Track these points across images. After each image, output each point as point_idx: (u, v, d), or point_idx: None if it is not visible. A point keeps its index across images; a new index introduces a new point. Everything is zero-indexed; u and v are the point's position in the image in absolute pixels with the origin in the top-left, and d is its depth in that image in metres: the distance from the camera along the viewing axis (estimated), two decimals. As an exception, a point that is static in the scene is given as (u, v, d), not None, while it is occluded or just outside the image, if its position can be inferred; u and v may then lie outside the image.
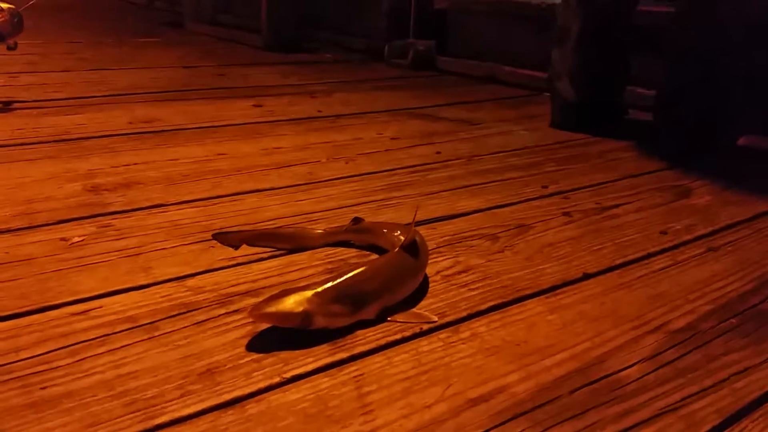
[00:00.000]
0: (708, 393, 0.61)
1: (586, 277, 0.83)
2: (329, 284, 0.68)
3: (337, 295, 0.68)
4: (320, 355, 0.64)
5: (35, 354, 0.61)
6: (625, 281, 0.83)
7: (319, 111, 1.71)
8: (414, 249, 0.77)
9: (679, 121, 1.44)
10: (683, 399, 0.59)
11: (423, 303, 0.75)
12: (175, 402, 0.56)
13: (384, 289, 0.71)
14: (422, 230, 0.90)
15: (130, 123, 1.50)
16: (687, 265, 0.88)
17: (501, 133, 1.58)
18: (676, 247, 0.94)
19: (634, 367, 0.64)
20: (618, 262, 0.88)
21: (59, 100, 1.67)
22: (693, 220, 1.05)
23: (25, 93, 1.72)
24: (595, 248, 0.92)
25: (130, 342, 0.64)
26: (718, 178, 1.26)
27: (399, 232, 0.83)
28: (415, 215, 0.80)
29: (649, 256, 0.91)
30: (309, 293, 0.67)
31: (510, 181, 1.21)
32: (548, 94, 1.73)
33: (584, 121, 1.59)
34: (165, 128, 1.47)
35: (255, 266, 0.82)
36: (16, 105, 1.61)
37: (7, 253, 0.81)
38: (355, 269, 0.71)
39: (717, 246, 0.95)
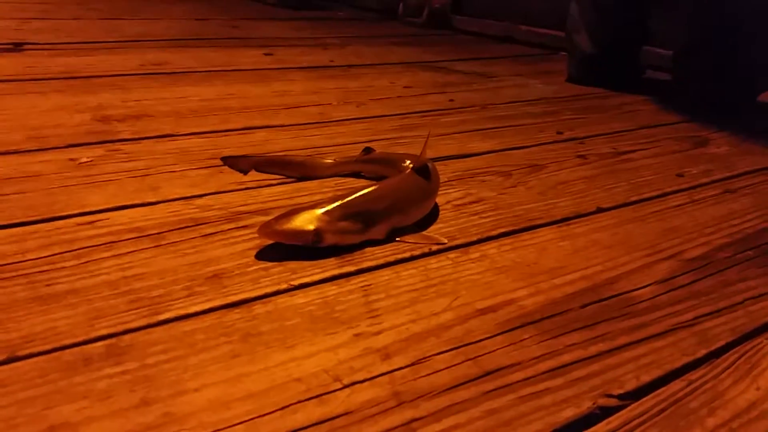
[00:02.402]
0: (722, 313, 0.59)
1: (600, 210, 0.82)
2: (339, 202, 0.67)
3: (347, 213, 0.67)
4: (328, 267, 0.63)
5: (41, 256, 0.61)
6: (639, 215, 0.81)
7: (331, 61, 1.69)
8: (425, 172, 0.76)
9: (698, 73, 1.41)
10: (696, 318, 0.58)
11: (433, 227, 0.74)
12: (181, 300, 0.55)
13: (394, 210, 0.70)
14: (434, 164, 0.89)
15: (141, 65, 1.48)
16: (703, 203, 0.87)
17: (516, 85, 1.55)
18: (692, 188, 0.92)
19: (647, 289, 0.63)
20: (633, 199, 0.87)
21: (70, 44, 1.65)
22: (710, 166, 1.03)
23: (37, 36, 1.70)
24: (609, 186, 0.91)
25: (136, 249, 0.63)
26: (737, 131, 1.24)
27: (410, 162, 0.82)
28: (426, 141, 0.78)
29: (664, 195, 0.89)
30: (319, 211, 0.66)
31: (524, 127, 1.19)
32: (565, 53, 1.70)
33: (601, 75, 1.56)
34: (175, 70, 1.45)
35: (264, 190, 0.81)
36: (27, 46, 1.59)
37: (15, 170, 0.81)
38: (365, 189, 0.70)
39: (734, 188, 0.93)
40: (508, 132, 1.14)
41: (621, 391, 0.47)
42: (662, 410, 0.46)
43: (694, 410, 0.46)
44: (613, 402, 0.46)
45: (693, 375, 0.50)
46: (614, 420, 0.44)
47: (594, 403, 0.46)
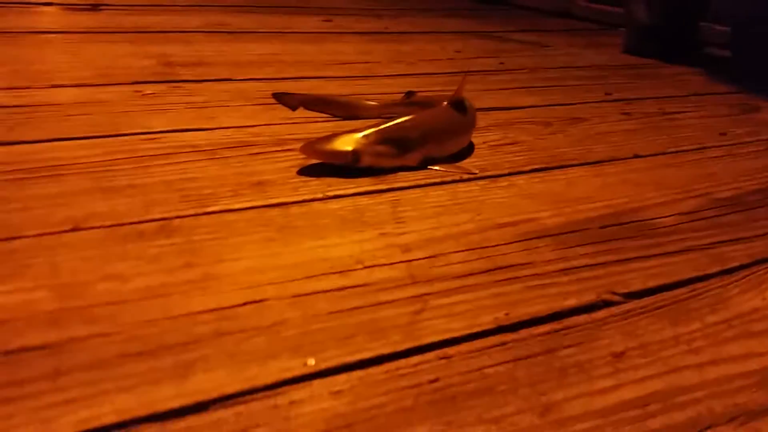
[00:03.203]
0: (741, 241, 0.61)
1: (636, 156, 0.83)
2: (377, 128, 0.72)
3: (384, 138, 0.71)
4: (362, 184, 0.67)
5: (104, 159, 0.68)
6: (675, 162, 0.82)
7: (385, 27, 1.73)
8: (461, 106, 0.79)
9: (755, 44, 1.38)
10: (714, 243, 0.60)
11: (466, 160, 0.77)
12: (227, 199, 0.61)
13: (428, 139, 0.74)
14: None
15: (205, 24, 1.56)
16: (742, 157, 0.87)
17: (569, 54, 1.56)
18: (734, 145, 0.92)
19: (670, 218, 0.65)
20: (671, 149, 0.88)
21: (141, 6, 1.75)
22: (756, 128, 1.02)
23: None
24: (649, 138, 0.92)
25: (190, 159, 0.69)
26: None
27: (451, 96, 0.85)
28: (464, 79, 0.81)
29: (704, 148, 0.89)
30: (358, 134, 0.70)
31: (572, 87, 1.20)
32: (623, 29, 1.69)
33: (658, 46, 1.55)
34: (236, 30, 1.53)
35: (310, 125, 0.86)
36: (103, 7, 1.69)
37: (83, 98, 0.88)
38: (402, 118, 0.74)
39: (778, 147, 0.92)
40: (555, 91, 1.16)
41: (625, 291, 0.50)
42: (663, 306, 0.48)
43: (696, 309, 0.48)
44: (617, 299, 0.49)
45: (700, 285, 0.52)
46: (614, 309, 0.47)
47: (598, 297, 0.49)
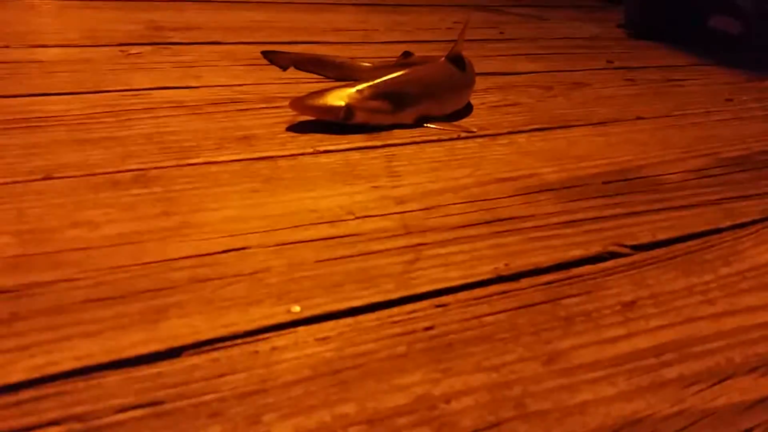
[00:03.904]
0: (752, 197, 0.58)
1: (640, 118, 0.80)
2: (371, 83, 0.68)
3: (378, 93, 0.67)
4: (354, 140, 0.64)
5: (83, 113, 0.64)
6: (679, 124, 0.79)
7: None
8: (460, 63, 0.76)
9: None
10: (724, 199, 0.57)
11: (465, 120, 0.74)
12: (210, 151, 0.57)
13: (425, 96, 0.70)
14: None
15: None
16: (748, 120, 0.83)
17: (570, 27, 1.52)
18: (740, 109, 0.89)
19: (676, 175, 0.61)
20: (675, 112, 0.84)
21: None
22: (762, 95, 0.98)
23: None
24: (653, 103, 0.88)
25: (173, 114, 0.66)
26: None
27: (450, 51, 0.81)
28: (464, 28, 0.78)
29: (709, 111, 0.86)
30: (350, 90, 0.67)
31: (574, 55, 1.16)
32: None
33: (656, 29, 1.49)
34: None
35: (301, 85, 0.82)
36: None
37: (68, 57, 0.84)
38: (397, 72, 0.71)
39: (786, 111, 0.89)
40: (557, 58, 1.12)
41: (633, 243, 0.47)
42: (674, 257, 0.45)
43: (709, 260, 0.45)
44: (625, 251, 0.46)
45: (713, 238, 0.49)
46: (622, 261, 0.44)
47: (604, 249, 0.46)
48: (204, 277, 0.37)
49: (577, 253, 0.44)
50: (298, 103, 0.65)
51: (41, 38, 0.94)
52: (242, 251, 0.40)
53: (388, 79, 0.69)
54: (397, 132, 0.67)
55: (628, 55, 1.22)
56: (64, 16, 1.12)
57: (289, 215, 0.46)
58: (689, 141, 0.72)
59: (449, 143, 0.66)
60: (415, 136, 0.67)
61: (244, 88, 0.78)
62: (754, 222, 0.53)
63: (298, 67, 0.86)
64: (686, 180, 0.60)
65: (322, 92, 0.67)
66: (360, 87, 0.67)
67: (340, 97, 0.65)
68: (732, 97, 0.95)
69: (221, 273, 0.38)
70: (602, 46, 1.27)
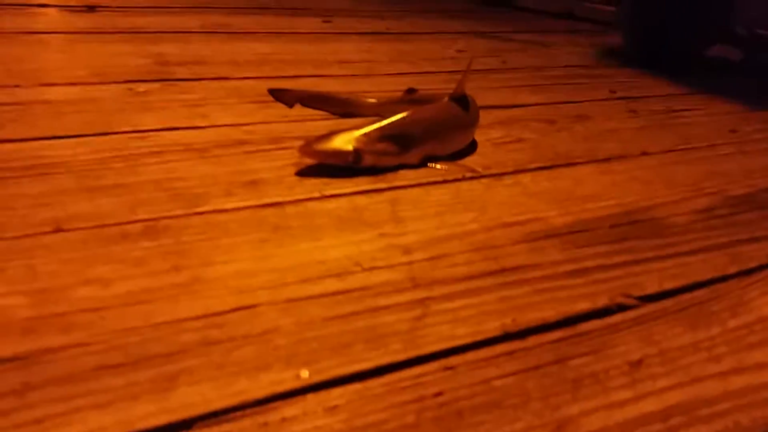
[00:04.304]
0: (759, 240, 0.58)
1: (645, 154, 0.80)
2: (377, 125, 0.69)
3: (384, 136, 0.68)
4: (361, 183, 0.64)
5: (92, 158, 0.65)
6: (684, 159, 0.79)
7: (387, 28, 1.70)
8: (464, 102, 0.77)
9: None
10: (731, 242, 0.57)
11: (469, 158, 0.74)
12: (219, 197, 0.58)
13: (430, 136, 0.71)
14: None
15: (204, 25, 1.53)
16: (753, 154, 0.84)
17: (572, 53, 1.53)
18: (744, 142, 0.89)
19: (682, 217, 0.62)
20: (680, 147, 0.85)
21: (139, 7, 1.73)
22: (766, 125, 0.99)
23: (108, 1, 1.78)
24: (657, 137, 0.89)
25: (181, 158, 0.67)
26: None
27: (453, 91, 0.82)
28: (467, 69, 0.78)
29: (714, 145, 0.86)
30: (357, 133, 0.67)
31: (576, 85, 1.17)
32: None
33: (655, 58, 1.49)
34: (236, 31, 1.50)
35: (308, 123, 0.83)
36: (99, 9, 1.67)
37: (76, 96, 0.85)
38: (403, 114, 0.71)
39: (790, 144, 0.89)
40: (559, 89, 1.13)
41: (641, 293, 0.47)
42: (681, 309, 0.45)
43: (716, 312, 0.45)
44: (632, 302, 0.46)
45: (720, 286, 0.49)
46: (630, 313, 0.44)
47: (611, 301, 0.46)
48: (214, 340, 0.38)
49: (584, 306, 0.45)
50: (306, 149, 0.66)
51: (50, 76, 0.95)
52: (251, 309, 0.41)
53: (394, 121, 0.69)
54: (402, 173, 0.68)
55: (630, 83, 1.22)
56: (72, 51, 1.14)
57: (297, 268, 0.47)
58: (695, 178, 0.73)
59: (454, 185, 0.66)
60: (420, 178, 0.67)
61: (251, 127, 0.79)
62: (761, 267, 0.53)
63: (304, 104, 0.87)
64: (693, 222, 0.60)
65: (329, 136, 0.67)
66: (366, 130, 0.68)
67: (347, 141, 0.66)
68: (736, 129, 0.95)
69: (231, 334, 0.38)
70: (604, 75, 1.28)
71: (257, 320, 0.40)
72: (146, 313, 0.40)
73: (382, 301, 0.43)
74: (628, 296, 0.46)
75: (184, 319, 0.39)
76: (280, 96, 0.86)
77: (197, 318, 0.39)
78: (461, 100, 0.77)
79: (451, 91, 0.81)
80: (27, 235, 0.49)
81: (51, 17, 1.53)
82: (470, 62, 0.80)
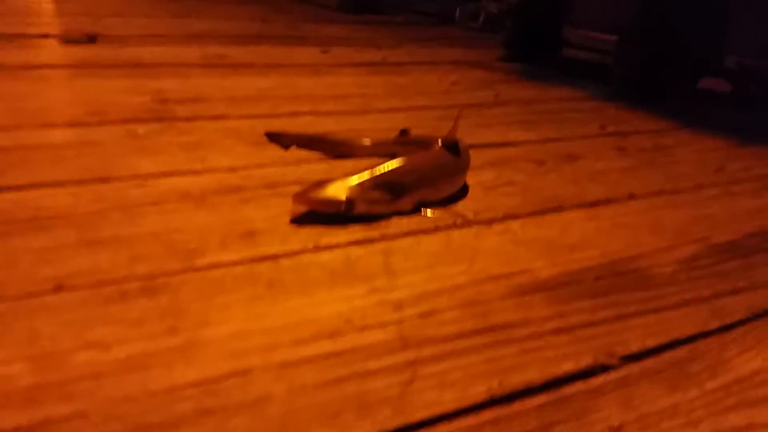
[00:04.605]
0: (740, 293, 0.60)
1: (632, 197, 0.82)
2: (370, 173, 0.71)
3: (377, 184, 0.70)
4: (354, 232, 0.66)
5: (91, 209, 0.66)
6: (671, 203, 0.81)
7: (383, 59, 1.73)
8: (454, 149, 0.78)
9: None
10: (713, 295, 0.59)
11: (460, 203, 0.76)
12: (215, 251, 0.59)
13: (422, 183, 0.73)
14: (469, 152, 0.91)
15: (203, 57, 1.56)
16: (739, 196, 0.86)
17: (566, 84, 1.55)
18: (730, 182, 0.91)
19: (666, 267, 0.63)
20: (667, 188, 0.87)
21: (139, 37, 1.76)
22: (751, 163, 1.01)
23: (109, 30, 1.81)
24: (645, 177, 0.91)
25: (179, 207, 0.68)
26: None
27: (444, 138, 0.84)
28: (457, 118, 0.81)
29: (700, 186, 0.88)
30: (350, 181, 0.69)
31: (567, 121, 1.19)
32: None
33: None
34: (235, 63, 1.52)
35: (303, 166, 0.85)
36: (100, 40, 1.69)
37: (76, 138, 0.87)
38: (395, 162, 0.73)
39: (776, 184, 0.91)
40: (550, 125, 1.15)
41: (624, 352, 0.49)
42: (662, 370, 0.47)
43: (695, 373, 0.47)
44: (614, 361, 0.47)
45: (700, 343, 0.51)
46: (612, 375, 0.46)
47: (595, 360, 0.47)
48: (209, 408, 0.39)
49: (568, 366, 0.46)
50: (301, 197, 0.68)
51: (51, 115, 0.97)
52: (245, 375, 0.42)
53: (387, 170, 0.71)
54: (395, 221, 0.70)
55: (620, 117, 1.25)
56: (73, 87, 1.16)
57: (290, 328, 0.48)
58: (680, 224, 0.74)
59: (445, 232, 0.68)
60: (412, 225, 0.69)
61: (247, 171, 0.80)
62: (741, 322, 0.54)
63: (299, 146, 0.89)
64: (677, 272, 0.62)
65: (322, 184, 0.69)
66: (359, 178, 0.69)
67: (341, 190, 0.68)
68: (723, 167, 0.98)
69: (225, 403, 0.40)
70: (594, 109, 1.31)
71: (251, 386, 0.41)
72: (144, 380, 0.41)
73: (373, 364, 0.45)
74: (611, 355, 0.48)
75: (180, 387, 0.41)
76: (276, 139, 0.88)
77: (193, 385, 0.41)
78: (453, 146, 0.79)
79: (443, 135, 0.83)
80: (29, 294, 0.50)
81: (52, 49, 1.55)
82: (459, 114, 0.82)
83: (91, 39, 1.69)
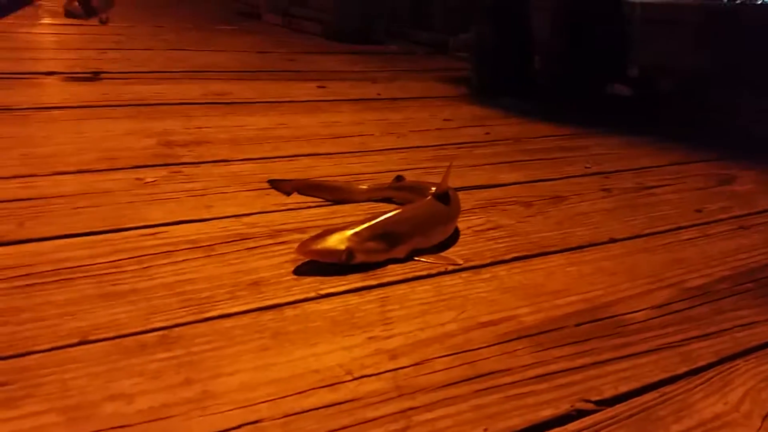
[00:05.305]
0: (709, 338, 0.65)
1: (612, 241, 0.88)
2: (366, 225, 0.76)
3: (373, 234, 0.75)
4: (353, 280, 0.71)
5: (108, 260, 0.71)
6: (649, 246, 0.87)
7: (378, 94, 1.79)
8: (446, 199, 0.84)
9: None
10: (683, 340, 0.64)
11: (451, 249, 0.81)
12: (224, 302, 0.64)
13: (415, 232, 0.78)
14: (460, 195, 0.96)
15: (204, 95, 1.62)
16: (715, 237, 0.91)
17: (552, 120, 1.62)
18: (708, 223, 0.97)
19: (641, 313, 0.68)
20: (647, 231, 0.92)
21: (141, 73, 1.82)
22: (730, 203, 1.07)
23: (112, 66, 1.87)
24: (626, 219, 0.96)
25: (189, 258, 0.73)
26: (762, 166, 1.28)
27: (436, 189, 0.90)
28: (448, 170, 0.86)
29: (679, 228, 0.94)
30: (349, 232, 0.74)
31: (554, 160, 1.25)
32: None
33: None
34: (235, 101, 1.58)
35: (303, 212, 0.90)
36: (103, 75, 1.75)
37: (89, 186, 0.93)
38: (390, 212, 0.79)
39: (749, 225, 0.97)
40: (537, 165, 1.21)
41: (598, 398, 0.53)
42: (632, 415, 0.52)
43: (662, 417, 0.52)
44: (589, 407, 0.52)
45: (668, 388, 0.56)
46: (587, 420, 0.51)
47: (572, 407, 0.52)
48: (224, 458, 0.44)
49: (548, 412, 0.51)
50: (303, 249, 0.73)
51: (62, 162, 1.02)
52: (254, 425, 0.47)
53: (382, 221, 0.77)
54: (390, 268, 0.75)
55: (604, 156, 1.31)
56: (82, 131, 1.21)
57: (295, 379, 0.53)
58: (656, 268, 0.80)
59: (437, 279, 0.73)
60: (406, 272, 0.74)
61: (252, 218, 0.86)
62: (708, 366, 0.60)
63: (300, 192, 0.94)
64: (650, 318, 0.67)
65: (323, 235, 0.74)
66: (357, 229, 0.75)
67: (340, 241, 0.73)
68: (701, 207, 1.03)
69: (239, 455, 0.44)
70: (580, 147, 1.37)
71: (261, 436, 0.46)
72: (166, 431, 0.46)
73: (370, 413, 0.49)
74: (587, 401, 0.53)
75: (198, 438, 0.45)
76: (278, 186, 0.93)
77: (210, 436, 0.46)
78: (443, 196, 0.84)
79: (435, 183, 0.89)
80: (57, 347, 0.55)
81: (57, 87, 1.61)
82: (449, 167, 0.87)
83: (95, 75, 1.75)
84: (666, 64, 1.97)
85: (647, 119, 1.73)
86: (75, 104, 1.42)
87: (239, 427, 0.47)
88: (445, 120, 1.54)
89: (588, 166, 1.22)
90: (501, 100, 1.76)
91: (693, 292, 0.74)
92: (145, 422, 0.47)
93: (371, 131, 1.38)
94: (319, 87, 1.83)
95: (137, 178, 0.97)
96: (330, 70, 2.15)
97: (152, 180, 0.96)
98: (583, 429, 0.50)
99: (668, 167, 1.27)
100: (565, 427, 0.50)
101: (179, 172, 1.02)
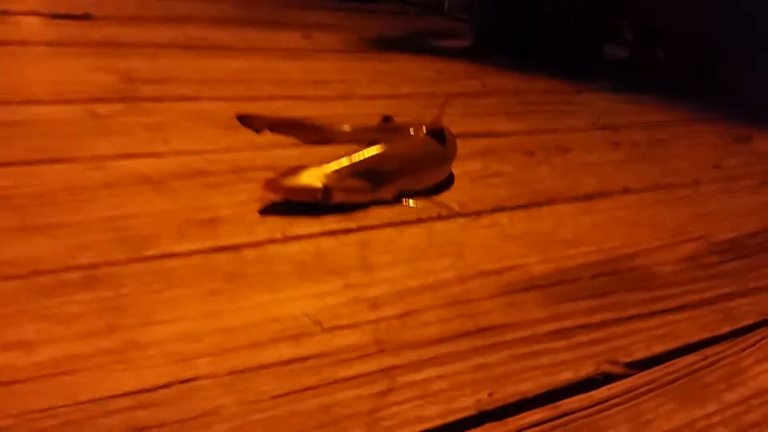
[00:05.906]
0: (748, 294, 0.54)
1: (626, 191, 0.77)
2: (348, 160, 0.64)
3: (356, 172, 0.64)
4: (328, 222, 0.60)
5: (37, 190, 0.59)
6: (668, 198, 0.76)
7: (367, 46, 1.67)
8: (440, 136, 0.73)
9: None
10: (720, 296, 0.53)
11: (445, 194, 0.70)
12: (169, 240, 0.53)
13: (405, 171, 0.67)
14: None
15: (180, 38, 1.48)
16: (738, 192, 0.81)
17: (555, 75, 1.50)
18: (728, 178, 0.87)
19: (668, 266, 0.58)
20: (663, 183, 0.82)
21: (115, 17, 1.67)
22: (749, 159, 0.97)
23: (81, 9, 1.72)
24: (640, 171, 0.86)
25: (136, 192, 0.62)
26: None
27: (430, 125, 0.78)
28: (444, 104, 0.75)
29: (697, 182, 0.83)
30: (327, 168, 0.63)
31: (557, 113, 1.14)
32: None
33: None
34: (212, 45, 1.45)
35: (276, 151, 0.79)
36: (78, 18, 1.60)
37: (27, 117, 0.80)
38: (376, 148, 0.67)
39: (775, 181, 0.87)
40: (539, 116, 1.10)
41: (628, 360, 0.43)
42: (673, 380, 0.41)
43: (710, 384, 0.42)
44: (619, 369, 0.42)
45: (711, 350, 0.45)
46: (617, 386, 0.40)
47: (596, 369, 0.42)
48: (141, 425, 0.33)
49: (567, 375, 0.41)
50: (272, 184, 0.61)
51: (6, 94, 0.90)
52: (189, 383, 0.36)
53: (367, 156, 0.65)
54: (374, 211, 0.63)
55: (611, 109, 1.20)
56: (41, 64, 1.08)
57: (248, 329, 0.42)
58: (679, 221, 0.69)
59: (429, 224, 0.62)
60: (393, 216, 0.63)
61: (214, 155, 0.74)
62: (754, 326, 0.49)
63: (273, 131, 0.82)
64: (679, 271, 0.57)
65: (297, 171, 0.63)
66: (337, 165, 0.63)
67: (317, 177, 0.62)
68: (720, 164, 0.93)
69: (161, 418, 0.33)
70: (584, 102, 1.26)
71: (194, 398, 0.35)
72: (68, 388, 0.35)
73: (342, 372, 0.38)
74: (615, 362, 0.42)
75: (109, 397, 0.34)
76: (248, 122, 0.81)
77: (126, 395, 0.34)
78: (438, 133, 0.73)
79: (428, 122, 0.78)
80: (-51, 285, 0.43)
81: (32, 26, 1.47)
82: (446, 101, 0.76)
83: (85, 16, 1.60)
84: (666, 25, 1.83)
85: (651, 80, 1.61)
86: (41, 42, 1.28)
87: (167, 386, 0.36)
88: (437, 72, 1.41)
89: (594, 121, 1.11)
90: (499, 58, 1.64)
91: (722, 247, 0.64)
92: (39, 377, 0.35)
93: (357, 79, 1.26)
94: (302, 37, 1.70)
95: (88, 110, 0.84)
96: (316, 23, 2.01)
97: (105, 112, 0.84)
98: (614, 397, 0.39)
99: (680, 123, 1.16)
100: (590, 393, 0.39)
101: (138, 106, 0.89)
